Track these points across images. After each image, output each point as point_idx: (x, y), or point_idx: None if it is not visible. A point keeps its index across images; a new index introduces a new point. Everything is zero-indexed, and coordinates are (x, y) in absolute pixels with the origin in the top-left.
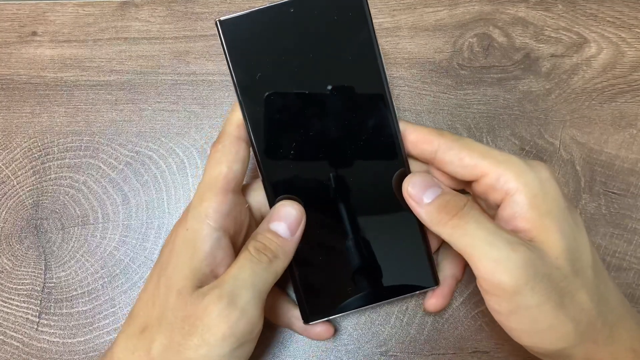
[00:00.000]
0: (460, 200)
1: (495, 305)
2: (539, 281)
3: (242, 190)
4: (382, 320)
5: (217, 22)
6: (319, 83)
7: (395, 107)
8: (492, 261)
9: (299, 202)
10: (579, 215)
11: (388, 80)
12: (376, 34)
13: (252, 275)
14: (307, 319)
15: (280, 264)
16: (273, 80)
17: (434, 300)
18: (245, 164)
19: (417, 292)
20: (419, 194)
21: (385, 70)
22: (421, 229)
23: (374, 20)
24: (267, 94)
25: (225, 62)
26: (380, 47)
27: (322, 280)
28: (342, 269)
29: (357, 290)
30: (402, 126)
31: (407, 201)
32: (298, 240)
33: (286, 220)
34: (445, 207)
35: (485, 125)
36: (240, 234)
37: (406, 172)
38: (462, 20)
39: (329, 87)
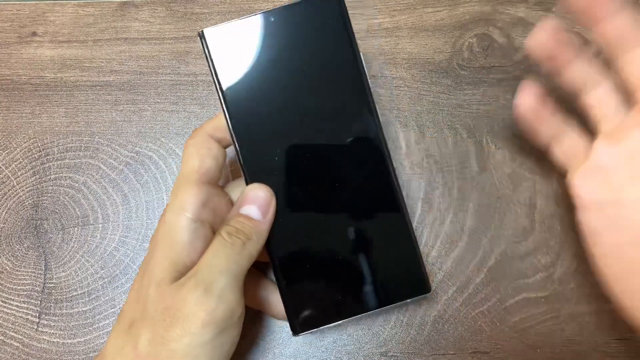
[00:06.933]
0: None
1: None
2: None
3: (224, 186)
4: (382, 320)
5: (200, 33)
6: (301, 91)
7: (378, 111)
8: None
9: (268, 185)
10: None
11: (371, 85)
12: (357, 41)
13: (226, 260)
14: (295, 330)
15: (255, 246)
16: (256, 88)
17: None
18: (219, 160)
19: (410, 300)
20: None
21: (367, 75)
22: (413, 234)
23: (373, 20)
24: (250, 102)
25: (208, 69)
26: (362, 54)
27: (312, 289)
28: (332, 277)
29: (348, 300)
30: None
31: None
32: (270, 222)
33: (256, 202)
34: None
35: (485, 125)
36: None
37: (391, 171)
38: (461, 20)
39: (311, 95)
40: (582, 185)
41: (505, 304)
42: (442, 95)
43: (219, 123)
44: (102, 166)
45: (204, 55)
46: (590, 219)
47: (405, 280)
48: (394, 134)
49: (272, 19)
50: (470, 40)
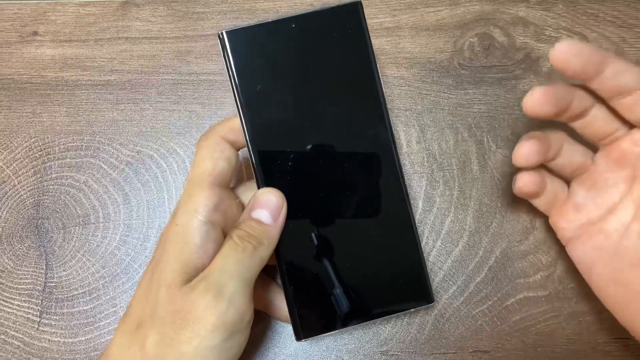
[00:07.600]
0: None
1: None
2: None
3: (235, 188)
4: (382, 319)
5: (221, 34)
6: (317, 97)
7: (390, 117)
8: None
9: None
10: None
11: (385, 93)
12: (374, 51)
13: (237, 264)
14: (299, 336)
15: (265, 251)
16: (273, 92)
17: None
18: (232, 163)
19: (413, 309)
20: None
21: (383, 84)
22: (420, 245)
23: (374, 20)
24: (266, 106)
25: (226, 71)
26: (378, 65)
27: (316, 296)
28: (337, 285)
29: (352, 308)
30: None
31: None
32: (281, 226)
33: (267, 207)
34: None
35: (486, 125)
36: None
37: (400, 180)
38: (462, 20)
39: (326, 102)
40: (564, 222)
41: (506, 303)
42: (443, 94)
43: (233, 125)
44: (103, 165)
45: (222, 55)
46: (579, 252)
47: (409, 290)
48: (395, 133)
49: (293, 25)
50: (471, 39)
